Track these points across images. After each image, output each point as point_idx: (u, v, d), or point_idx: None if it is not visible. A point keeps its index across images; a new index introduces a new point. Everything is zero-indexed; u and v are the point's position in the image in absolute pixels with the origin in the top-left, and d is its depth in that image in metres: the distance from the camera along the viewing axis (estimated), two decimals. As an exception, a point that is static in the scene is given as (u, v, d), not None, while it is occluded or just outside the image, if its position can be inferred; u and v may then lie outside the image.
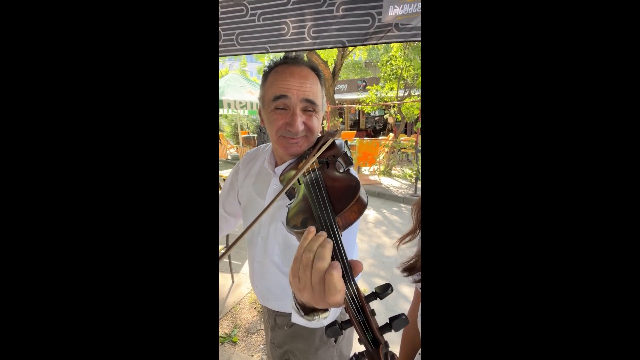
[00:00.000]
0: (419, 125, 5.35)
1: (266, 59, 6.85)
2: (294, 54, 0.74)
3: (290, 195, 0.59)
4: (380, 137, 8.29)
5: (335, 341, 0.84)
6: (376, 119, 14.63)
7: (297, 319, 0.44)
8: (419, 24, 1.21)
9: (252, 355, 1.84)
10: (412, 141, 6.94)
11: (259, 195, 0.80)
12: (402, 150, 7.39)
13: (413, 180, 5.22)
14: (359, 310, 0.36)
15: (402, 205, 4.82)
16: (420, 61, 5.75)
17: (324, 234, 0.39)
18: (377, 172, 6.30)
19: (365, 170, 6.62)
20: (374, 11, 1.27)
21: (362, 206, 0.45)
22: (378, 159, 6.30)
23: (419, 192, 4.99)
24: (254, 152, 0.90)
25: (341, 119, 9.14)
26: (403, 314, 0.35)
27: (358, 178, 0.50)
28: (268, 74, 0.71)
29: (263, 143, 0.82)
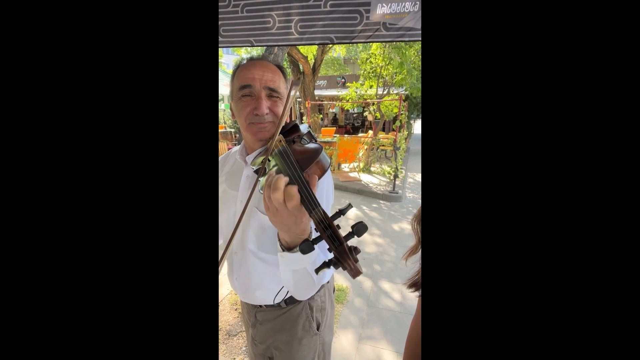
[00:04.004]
0: (397, 123, 5.44)
1: (243, 52, 6.65)
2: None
3: (262, 173, 0.67)
4: (360, 135, 8.36)
5: (317, 329, 0.89)
6: (354, 115, 14.75)
7: (284, 255, 0.57)
8: (407, 25, 1.22)
9: (234, 358, 1.79)
10: (390, 139, 7.07)
11: (232, 188, 0.84)
12: (381, 147, 7.52)
13: (392, 177, 5.32)
14: (326, 226, 0.47)
15: (381, 202, 4.90)
16: (399, 60, 5.84)
17: (277, 174, 0.50)
18: (356, 169, 6.36)
19: (345, 167, 6.66)
20: (362, 8, 1.25)
21: (325, 164, 0.57)
22: (357, 156, 6.36)
23: (397, 189, 5.11)
24: (225, 156, 0.95)
25: (321, 115, 9.13)
26: (361, 221, 0.46)
27: (321, 146, 0.60)
28: (235, 71, 0.78)
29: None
